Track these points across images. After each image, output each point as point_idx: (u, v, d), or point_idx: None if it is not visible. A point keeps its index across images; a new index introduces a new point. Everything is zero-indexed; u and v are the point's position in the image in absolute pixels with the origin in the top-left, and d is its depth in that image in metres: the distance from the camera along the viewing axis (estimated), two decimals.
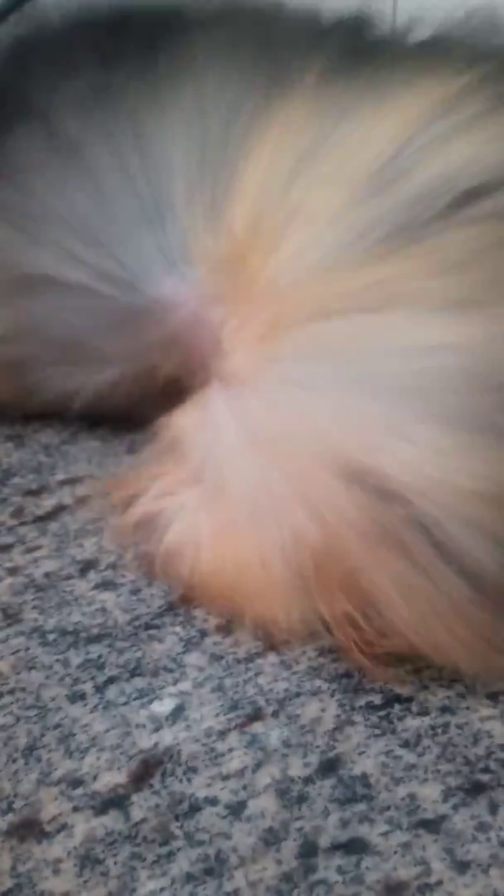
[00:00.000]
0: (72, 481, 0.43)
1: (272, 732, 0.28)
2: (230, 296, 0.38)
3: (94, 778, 0.27)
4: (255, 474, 0.33)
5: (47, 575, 0.36)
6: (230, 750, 0.28)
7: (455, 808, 0.26)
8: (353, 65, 0.40)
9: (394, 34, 0.45)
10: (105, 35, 0.46)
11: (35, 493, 0.42)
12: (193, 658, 0.32)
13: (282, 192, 0.37)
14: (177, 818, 0.26)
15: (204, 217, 0.38)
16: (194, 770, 0.27)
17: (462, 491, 0.29)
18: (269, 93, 0.40)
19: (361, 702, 0.29)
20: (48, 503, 0.41)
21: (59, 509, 0.41)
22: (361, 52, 0.42)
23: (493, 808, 0.26)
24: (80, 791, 0.27)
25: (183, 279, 0.39)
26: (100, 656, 0.32)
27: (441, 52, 0.41)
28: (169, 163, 0.40)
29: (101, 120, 0.40)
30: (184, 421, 0.37)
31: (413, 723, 0.28)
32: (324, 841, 0.25)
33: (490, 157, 0.33)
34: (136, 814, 0.26)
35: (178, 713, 0.29)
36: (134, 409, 0.46)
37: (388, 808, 0.26)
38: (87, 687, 0.31)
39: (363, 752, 0.27)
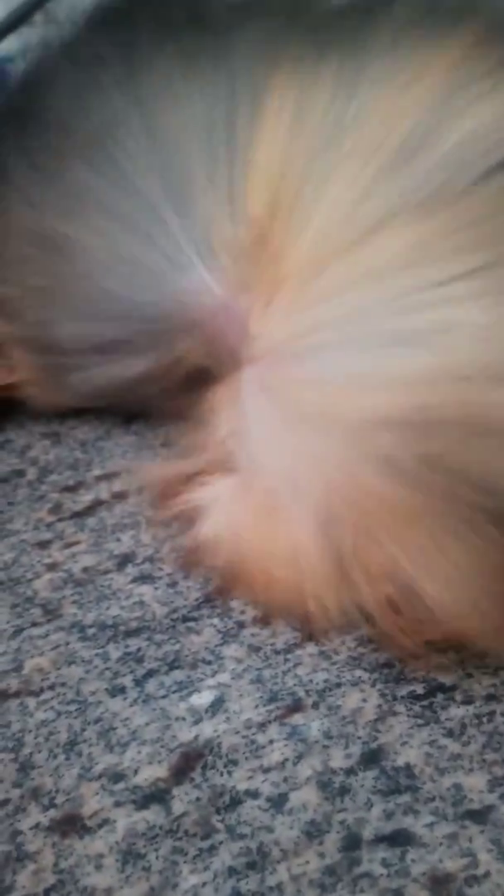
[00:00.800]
0: (108, 477, 0.43)
1: (312, 724, 0.28)
2: (255, 280, 0.38)
3: (135, 772, 0.27)
4: (288, 459, 0.33)
5: (85, 570, 0.36)
6: (270, 742, 0.27)
7: (502, 797, 0.25)
8: (360, 36, 0.39)
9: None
10: (119, 26, 0.45)
11: (72, 489, 0.42)
12: (231, 650, 0.31)
13: (301, 172, 0.36)
14: (218, 812, 0.26)
15: (224, 202, 0.38)
16: (235, 763, 0.27)
17: None
18: (275, 71, 0.39)
19: (403, 691, 0.29)
20: (85, 499, 0.41)
21: (96, 504, 0.41)
22: (367, 23, 0.41)
23: None
24: (121, 785, 0.27)
25: (207, 268, 0.39)
26: (139, 650, 0.32)
27: (440, 12, 0.40)
28: (185, 150, 0.39)
29: (122, 108, 0.40)
30: (216, 410, 0.37)
31: (457, 712, 0.28)
32: (367, 833, 0.25)
33: None
34: (178, 808, 0.26)
35: (217, 705, 0.29)
36: (163, 402, 0.46)
37: (433, 798, 0.25)
38: (127, 680, 0.30)
39: (406, 743, 0.27)
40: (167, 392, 0.45)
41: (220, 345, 0.40)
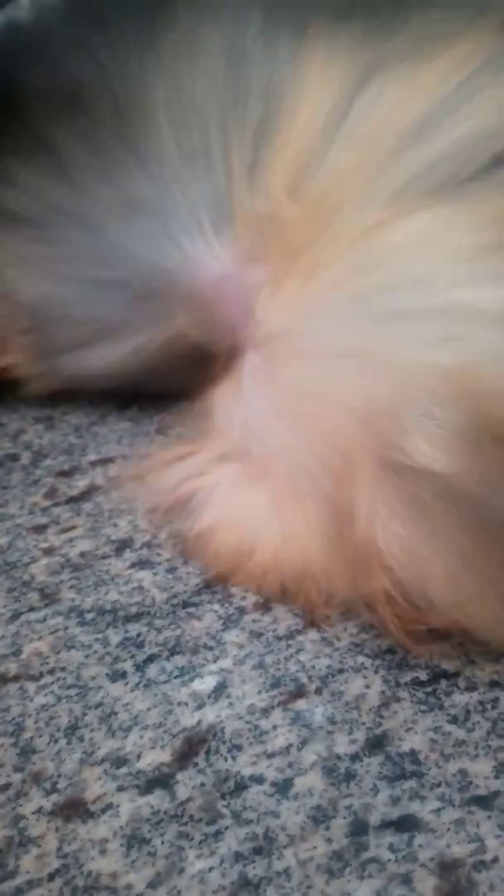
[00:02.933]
0: (103, 462, 0.43)
1: (316, 709, 0.28)
2: (266, 256, 0.37)
3: (138, 757, 0.27)
4: (289, 448, 0.33)
5: (83, 555, 0.36)
6: (274, 727, 0.27)
7: None
8: (384, 22, 0.38)
9: None
10: None
11: (67, 473, 0.42)
12: (233, 635, 0.31)
13: (321, 151, 0.36)
14: (223, 797, 0.25)
15: (241, 174, 0.37)
16: (239, 748, 0.27)
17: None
18: (304, 50, 0.39)
19: (407, 678, 0.29)
20: (81, 484, 0.41)
21: (92, 490, 0.41)
22: (392, 10, 0.41)
23: None
24: (124, 770, 0.26)
25: (216, 238, 0.38)
26: (139, 635, 0.31)
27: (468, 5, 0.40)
28: (204, 115, 0.39)
29: (138, 72, 0.39)
30: (216, 394, 0.37)
31: (461, 698, 0.28)
32: (374, 819, 0.24)
33: None
34: (182, 793, 0.26)
35: (219, 691, 0.29)
36: (158, 381, 0.45)
37: (439, 784, 0.25)
38: (128, 665, 0.30)
39: (411, 729, 0.27)
40: (162, 373, 0.45)
41: (221, 319, 0.40)
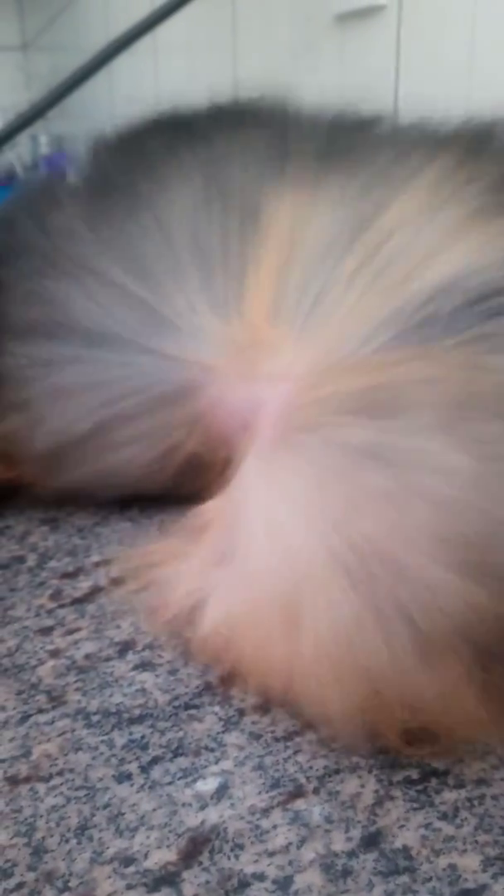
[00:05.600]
0: (106, 562, 0.45)
1: (314, 809, 0.29)
2: (252, 378, 0.40)
3: (146, 856, 0.28)
4: (282, 557, 0.35)
5: (87, 657, 0.38)
6: (274, 827, 0.29)
7: (494, 877, 0.27)
8: (358, 155, 0.42)
9: (394, 122, 0.48)
10: (126, 143, 0.49)
11: (71, 575, 0.44)
12: (233, 737, 0.33)
13: (300, 283, 0.39)
14: (227, 894, 0.27)
15: (222, 303, 0.41)
16: (241, 847, 0.28)
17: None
18: (280, 184, 0.42)
19: (399, 777, 0.30)
20: (85, 585, 0.43)
21: (96, 591, 0.43)
22: (364, 142, 0.45)
23: None
24: (132, 869, 0.28)
25: (212, 359, 0.41)
26: (143, 737, 0.33)
27: (441, 137, 0.44)
28: (186, 248, 0.42)
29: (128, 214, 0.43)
30: (214, 501, 0.39)
31: (450, 795, 0.30)
32: None
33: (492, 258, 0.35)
34: (188, 890, 0.27)
35: (221, 791, 0.30)
36: (158, 486, 0.48)
37: (430, 878, 0.27)
38: (133, 767, 0.32)
39: (403, 826, 0.29)
40: (162, 479, 0.47)
41: (218, 432, 0.43)
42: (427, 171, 0.40)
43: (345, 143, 0.45)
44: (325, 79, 0.79)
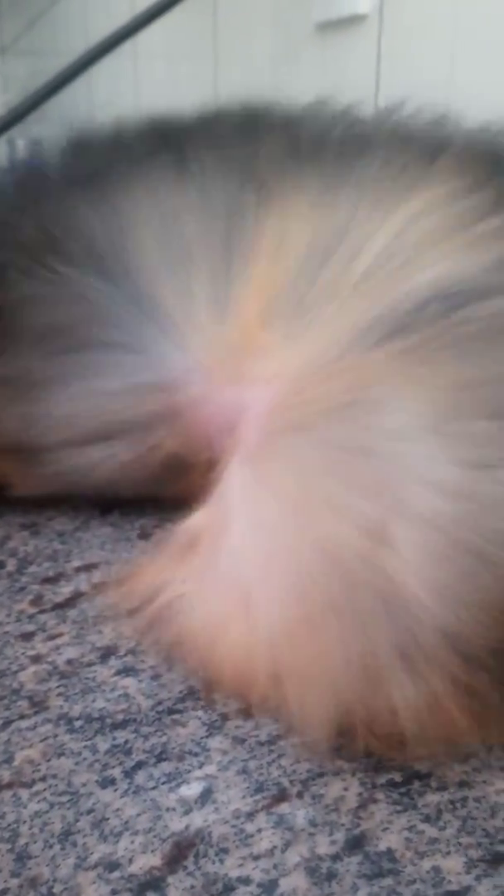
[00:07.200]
0: (87, 568, 0.45)
1: (298, 812, 0.30)
2: (238, 381, 0.40)
3: (130, 861, 0.28)
4: (266, 557, 0.35)
5: (69, 662, 0.38)
6: (259, 830, 0.29)
7: (478, 878, 0.27)
8: (349, 160, 0.43)
9: (378, 123, 0.49)
10: (108, 150, 0.49)
11: (52, 580, 0.44)
12: (217, 742, 0.33)
13: (288, 287, 0.39)
14: None
15: (217, 302, 0.41)
16: (226, 851, 0.28)
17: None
18: (270, 188, 0.43)
19: (382, 779, 0.31)
20: (66, 590, 0.43)
21: (77, 596, 0.42)
22: (354, 146, 0.45)
23: None
24: (116, 874, 0.28)
25: (195, 359, 0.41)
26: (126, 742, 0.33)
27: (437, 146, 0.44)
28: (175, 249, 0.43)
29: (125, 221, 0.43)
30: (199, 513, 0.39)
31: (433, 798, 0.30)
32: None
33: (479, 264, 0.35)
34: (173, 895, 0.27)
35: (206, 796, 0.30)
36: (138, 488, 0.48)
37: (415, 881, 0.27)
38: (117, 772, 0.32)
39: (387, 829, 0.29)
40: (143, 481, 0.47)
41: (200, 434, 0.43)
42: (413, 177, 0.40)
43: (333, 149, 0.45)
44: (305, 87, 0.79)
